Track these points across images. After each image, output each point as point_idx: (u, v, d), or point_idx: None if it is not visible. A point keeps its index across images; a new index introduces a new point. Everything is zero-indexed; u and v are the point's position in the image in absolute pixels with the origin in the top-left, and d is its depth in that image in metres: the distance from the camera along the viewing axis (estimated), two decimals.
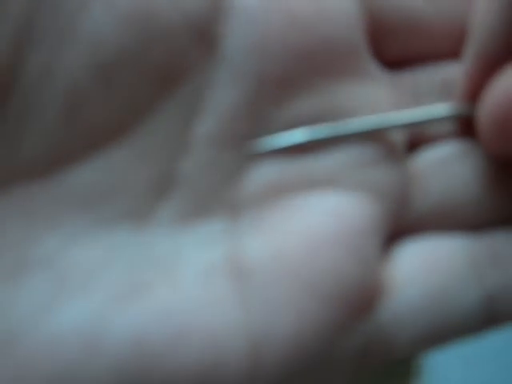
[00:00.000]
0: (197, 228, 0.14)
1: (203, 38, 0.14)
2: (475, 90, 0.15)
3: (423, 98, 0.17)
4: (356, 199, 0.15)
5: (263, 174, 0.15)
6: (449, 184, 0.16)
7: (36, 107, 0.13)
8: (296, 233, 0.14)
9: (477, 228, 0.16)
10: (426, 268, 0.15)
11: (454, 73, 0.16)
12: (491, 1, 0.15)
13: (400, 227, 0.16)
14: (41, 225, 0.13)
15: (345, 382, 0.15)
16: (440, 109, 0.16)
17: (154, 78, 0.14)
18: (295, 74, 0.15)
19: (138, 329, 0.13)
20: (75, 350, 0.12)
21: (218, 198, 0.15)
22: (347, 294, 0.14)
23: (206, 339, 0.13)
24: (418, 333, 0.15)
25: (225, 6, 0.14)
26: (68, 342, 0.12)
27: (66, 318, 0.13)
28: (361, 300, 0.14)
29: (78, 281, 0.13)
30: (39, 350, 0.12)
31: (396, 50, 0.17)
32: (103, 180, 0.14)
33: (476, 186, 0.16)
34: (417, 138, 0.16)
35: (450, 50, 0.16)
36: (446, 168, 0.16)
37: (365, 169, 0.15)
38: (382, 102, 0.16)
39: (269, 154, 0.15)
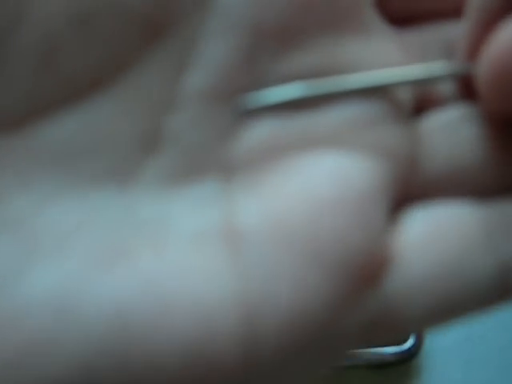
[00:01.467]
0: (186, 190, 0.13)
1: None
2: (475, 48, 0.14)
3: (429, 56, 0.15)
4: (359, 160, 0.14)
5: (258, 132, 0.14)
6: (456, 148, 0.15)
7: (8, 54, 0.12)
8: (294, 196, 0.13)
9: (486, 194, 0.15)
10: (436, 235, 0.14)
11: (459, 32, 0.15)
12: None
13: (407, 192, 0.14)
14: (12, 182, 0.12)
15: (345, 357, 0.13)
16: (442, 66, 0.15)
17: (139, 27, 0.13)
18: (294, 26, 0.14)
19: (118, 298, 0.12)
20: (48, 319, 0.11)
21: (210, 157, 0.13)
22: (351, 263, 0.13)
23: (193, 309, 0.12)
24: (428, 305, 0.13)
25: None
26: (40, 309, 0.11)
27: (39, 283, 0.11)
28: (366, 270, 0.13)
29: (52, 244, 0.12)
30: (9, 318, 0.11)
31: (401, 5, 0.16)
32: (83, 135, 0.12)
33: (483, 150, 0.15)
34: (422, 100, 0.15)
35: (457, 8, 0.15)
36: (452, 132, 0.15)
37: (369, 127, 0.14)
38: (388, 57, 0.15)
39: (262, 110, 0.14)
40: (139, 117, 0.13)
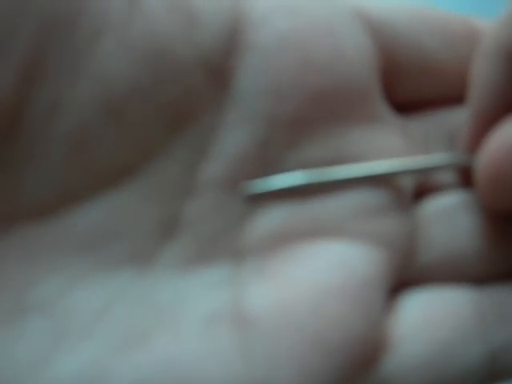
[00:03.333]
0: (200, 273, 0.14)
1: (216, 75, 0.14)
2: (476, 142, 0.15)
3: (432, 146, 0.16)
4: (362, 249, 0.15)
5: (268, 220, 0.15)
6: (452, 235, 0.16)
7: (41, 145, 0.12)
8: (301, 282, 0.14)
9: (480, 280, 0.16)
10: (429, 322, 0.15)
11: (462, 120, 0.16)
12: (487, 61, 0.15)
13: (404, 278, 0.15)
14: (41, 267, 0.13)
15: None
16: (442, 158, 0.16)
17: (164, 117, 0.13)
18: (307, 116, 0.15)
19: (139, 379, 0.12)
20: None
21: (222, 243, 0.14)
22: (351, 347, 0.14)
23: None
24: None
25: (239, 44, 0.14)
26: None
27: (66, 366, 0.12)
28: (364, 354, 0.14)
29: (78, 328, 0.13)
30: None
31: (408, 91, 0.16)
32: (106, 221, 0.13)
33: (478, 238, 0.16)
34: (422, 186, 0.16)
35: (463, 92, 0.16)
36: (449, 219, 0.16)
37: (371, 216, 0.15)
38: (393, 148, 0.16)
39: (268, 196, 0.14)
40: (158, 204, 0.14)
